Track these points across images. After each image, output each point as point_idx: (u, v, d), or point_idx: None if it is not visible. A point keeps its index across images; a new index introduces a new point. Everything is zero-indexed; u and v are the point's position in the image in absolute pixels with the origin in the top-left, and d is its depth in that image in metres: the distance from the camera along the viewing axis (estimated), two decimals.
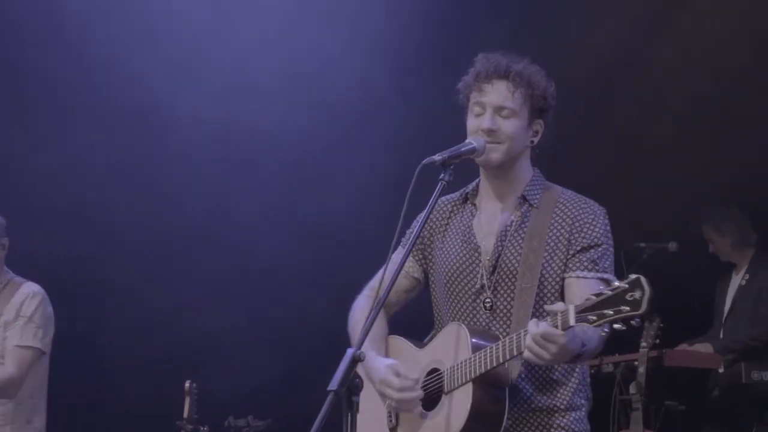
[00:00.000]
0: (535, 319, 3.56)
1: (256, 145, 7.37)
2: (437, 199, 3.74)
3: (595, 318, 3.40)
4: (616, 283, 3.41)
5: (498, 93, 3.86)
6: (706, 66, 7.14)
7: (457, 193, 4.08)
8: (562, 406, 3.88)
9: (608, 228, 3.92)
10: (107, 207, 7.28)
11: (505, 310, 3.88)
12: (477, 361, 3.73)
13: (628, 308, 3.35)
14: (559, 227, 3.89)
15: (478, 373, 3.71)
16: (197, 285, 7.36)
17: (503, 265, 3.88)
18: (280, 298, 7.44)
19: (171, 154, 7.28)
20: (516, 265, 3.86)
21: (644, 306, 3.34)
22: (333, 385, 3.31)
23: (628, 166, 7.48)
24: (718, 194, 7.50)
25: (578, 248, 3.84)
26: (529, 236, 3.87)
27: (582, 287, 3.76)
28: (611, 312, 3.38)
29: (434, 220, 4.07)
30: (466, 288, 3.94)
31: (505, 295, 3.88)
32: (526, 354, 3.55)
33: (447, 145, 3.77)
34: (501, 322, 3.87)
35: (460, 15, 7.17)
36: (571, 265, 3.84)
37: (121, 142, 7.25)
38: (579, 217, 3.89)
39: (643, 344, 6.77)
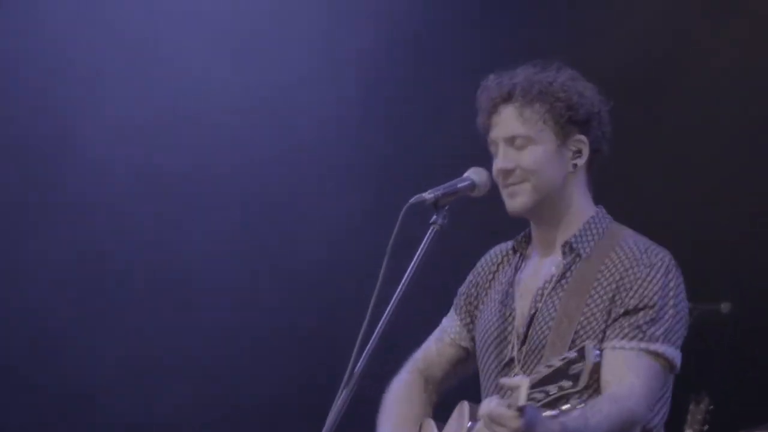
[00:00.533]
0: (492, 396, 3.30)
1: (212, 181, 6.84)
2: (428, 247, 3.44)
3: (542, 396, 3.11)
4: (570, 353, 3.13)
5: (504, 121, 3.59)
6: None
7: (511, 242, 3.80)
8: None
9: (671, 285, 3.48)
10: None
11: None
12: None
13: (570, 384, 3.06)
14: (604, 283, 3.50)
15: None
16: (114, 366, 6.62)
17: (534, 334, 3.54)
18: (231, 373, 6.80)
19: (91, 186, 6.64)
20: (546, 332, 3.50)
21: (582, 381, 3.03)
22: None
23: (662, 199, 6.85)
24: None
25: (622, 311, 3.43)
26: (568, 296, 3.52)
27: (618, 362, 3.38)
28: (555, 389, 3.09)
29: (482, 275, 3.83)
30: (496, 362, 3.64)
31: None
32: None
33: (441, 179, 3.56)
34: None
35: (457, 27, 6.77)
36: (609, 333, 3.44)
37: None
38: (630, 270, 3.48)
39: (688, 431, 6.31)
